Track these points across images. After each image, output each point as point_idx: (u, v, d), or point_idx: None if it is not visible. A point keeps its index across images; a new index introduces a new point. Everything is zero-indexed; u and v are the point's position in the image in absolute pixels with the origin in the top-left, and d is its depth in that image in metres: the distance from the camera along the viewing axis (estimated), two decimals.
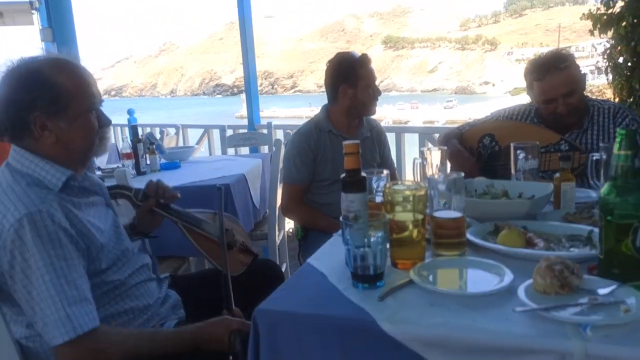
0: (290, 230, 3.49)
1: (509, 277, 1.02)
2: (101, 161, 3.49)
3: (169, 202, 1.55)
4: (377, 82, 2.27)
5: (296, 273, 1.20)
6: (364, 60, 2.19)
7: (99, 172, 2.75)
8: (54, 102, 1.16)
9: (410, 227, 1.13)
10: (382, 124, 2.64)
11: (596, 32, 3.45)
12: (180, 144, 4.72)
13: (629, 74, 3.37)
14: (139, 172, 2.74)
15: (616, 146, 0.97)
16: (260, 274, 1.60)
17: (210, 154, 4.99)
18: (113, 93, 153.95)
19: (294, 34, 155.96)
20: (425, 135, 3.79)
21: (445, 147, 1.62)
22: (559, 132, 1.94)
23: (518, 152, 1.62)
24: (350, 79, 2.17)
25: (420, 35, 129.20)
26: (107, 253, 1.23)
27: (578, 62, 1.98)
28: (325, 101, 2.31)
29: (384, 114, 42.59)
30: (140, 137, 2.83)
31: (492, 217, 1.37)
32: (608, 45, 3.52)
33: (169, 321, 1.37)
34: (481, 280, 1.06)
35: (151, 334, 1.23)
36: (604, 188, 0.99)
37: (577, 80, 1.94)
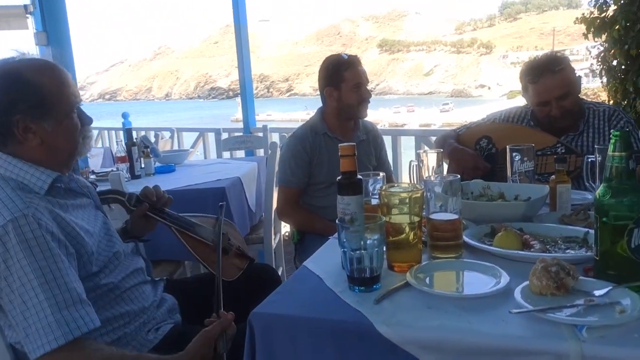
0: (286, 233, 3.48)
1: (505, 279, 1.02)
2: (95, 164, 3.48)
3: (163, 207, 1.54)
4: (372, 85, 2.29)
5: (292, 276, 1.20)
6: (350, 62, 2.17)
7: (92, 176, 2.73)
8: (38, 104, 1.14)
9: (407, 229, 1.13)
10: (379, 127, 2.64)
11: (590, 36, 3.47)
12: (175, 147, 4.71)
13: (622, 76, 3.40)
14: (134, 176, 2.73)
15: (610, 148, 0.97)
16: (256, 278, 1.59)
17: (206, 158, 4.99)
18: (107, 97, 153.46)
19: (289, 38, 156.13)
20: (422, 138, 3.81)
21: (442, 150, 1.62)
22: (554, 135, 1.94)
23: (514, 154, 1.62)
24: (334, 80, 2.17)
25: (416, 38, 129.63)
26: (98, 256, 1.22)
27: (572, 65, 1.99)
28: (321, 104, 2.32)
29: (380, 117, 42.57)
30: (134, 140, 2.82)
31: (488, 219, 1.37)
32: (602, 49, 3.55)
33: (164, 325, 1.36)
34: (477, 282, 1.05)
35: (134, 358, 1.18)
36: (599, 190, 0.99)
37: (571, 83, 1.94)
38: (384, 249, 1.11)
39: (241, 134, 4.64)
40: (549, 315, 0.87)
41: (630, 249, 0.95)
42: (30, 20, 3.49)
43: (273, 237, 2.70)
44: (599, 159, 1.44)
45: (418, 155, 1.56)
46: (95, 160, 3.70)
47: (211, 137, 4.84)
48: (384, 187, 1.19)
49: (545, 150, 1.91)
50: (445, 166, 1.93)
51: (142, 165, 2.81)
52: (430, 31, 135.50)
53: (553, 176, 1.54)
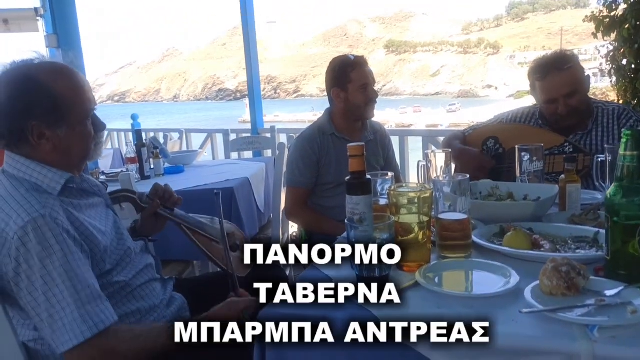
0: (294, 233, 3.49)
1: (515, 278, 1.02)
2: (105, 165, 3.50)
3: (172, 206, 1.55)
4: (378, 86, 2.29)
5: (301, 276, 1.20)
6: (357, 63, 2.18)
7: (103, 177, 2.76)
8: (53, 111, 1.15)
9: (416, 229, 1.13)
10: (386, 127, 2.64)
11: (599, 35, 3.45)
12: (184, 148, 4.73)
13: (632, 76, 3.37)
14: (143, 177, 2.75)
15: (622, 147, 0.97)
16: (265, 278, 1.60)
17: (214, 158, 5.01)
18: (117, 98, 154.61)
19: (296, 39, 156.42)
20: (429, 138, 3.80)
21: (450, 150, 1.62)
22: (562, 134, 1.93)
23: (523, 154, 1.62)
24: (341, 81, 2.18)
25: (423, 39, 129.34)
26: (110, 254, 1.23)
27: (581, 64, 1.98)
28: (328, 105, 2.32)
29: (387, 117, 42.53)
30: (144, 141, 2.84)
31: (497, 219, 1.37)
32: (611, 48, 3.52)
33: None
34: (487, 282, 1.05)
35: (162, 328, 1.20)
36: (610, 189, 0.98)
37: (579, 82, 1.93)
38: None
39: (249, 135, 4.66)
40: (559, 315, 0.87)
41: None
42: (41, 23, 3.53)
43: (281, 237, 2.71)
44: (609, 158, 1.43)
45: (426, 156, 1.56)
46: (105, 161, 3.74)
47: (219, 138, 4.86)
48: (392, 187, 1.19)
49: (553, 149, 1.90)
50: (454, 166, 1.92)
51: (152, 166, 2.84)
52: (437, 32, 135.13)
53: (562, 176, 1.53)
